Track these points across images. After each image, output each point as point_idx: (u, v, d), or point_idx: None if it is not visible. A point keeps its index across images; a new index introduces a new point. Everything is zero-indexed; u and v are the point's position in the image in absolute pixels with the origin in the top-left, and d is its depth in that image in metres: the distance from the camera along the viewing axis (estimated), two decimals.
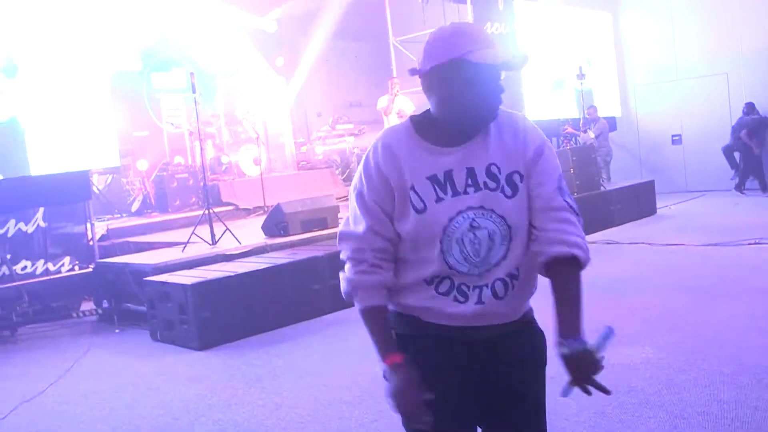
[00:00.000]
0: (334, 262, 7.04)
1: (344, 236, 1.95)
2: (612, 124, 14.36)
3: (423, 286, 1.93)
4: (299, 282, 6.76)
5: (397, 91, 11.09)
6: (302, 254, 7.20)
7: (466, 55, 1.79)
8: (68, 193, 7.84)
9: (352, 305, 1.93)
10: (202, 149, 8.77)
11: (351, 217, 1.95)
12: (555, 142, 14.42)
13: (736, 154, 13.65)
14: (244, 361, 5.56)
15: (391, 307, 2.00)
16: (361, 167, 1.94)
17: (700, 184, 14.40)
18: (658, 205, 11.98)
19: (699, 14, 14.21)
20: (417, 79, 1.91)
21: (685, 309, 5.82)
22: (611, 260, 8.20)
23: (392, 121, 10.85)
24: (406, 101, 11.15)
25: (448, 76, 1.83)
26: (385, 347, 1.89)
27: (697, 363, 4.47)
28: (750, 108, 13.39)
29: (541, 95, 13.66)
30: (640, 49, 15.40)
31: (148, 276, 6.71)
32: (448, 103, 1.87)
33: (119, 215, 11.41)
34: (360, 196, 1.93)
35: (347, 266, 1.94)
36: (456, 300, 1.91)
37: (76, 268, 8.16)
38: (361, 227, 1.91)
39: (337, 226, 8.51)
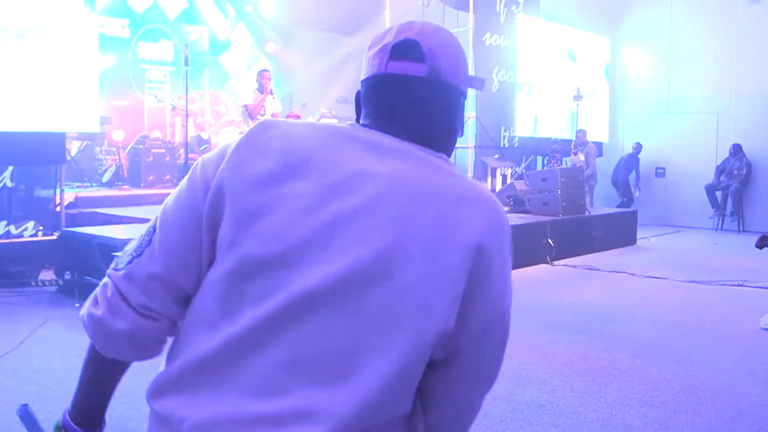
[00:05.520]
0: None
1: None
2: (599, 150, 14.27)
3: None
4: None
5: (271, 89, 9.35)
6: None
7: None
8: (41, 155, 7.44)
9: None
10: (185, 125, 8.45)
11: None
12: (541, 161, 14.30)
13: (718, 194, 13.64)
14: None
15: None
16: None
17: (679, 219, 14.34)
18: (638, 236, 11.85)
19: (697, 51, 14.15)
20: None
21: (673, 346, 5.62)
22: (593, 288, 8.02)
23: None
24: (277, 103, 9.74)
25: None
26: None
27: (693, 405, 4.26)
28: (737, 150, 13.38)
29: (533, 113, 13.49)
30: (635, 78, 15.32)
31: (117, 251, 6.34)
32: None
33: (89, 184, 10.98)
34: None
35: None
36: None
37: (40, 234, 7.76)
38: None
39: None
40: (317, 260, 1.14)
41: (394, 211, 1.15)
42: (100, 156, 11.86)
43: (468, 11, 12.84)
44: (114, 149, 11.86)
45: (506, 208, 10.79)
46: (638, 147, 14.54)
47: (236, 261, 1.17)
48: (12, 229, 7.59)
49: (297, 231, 1.15)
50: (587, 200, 11.79)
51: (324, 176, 1.18)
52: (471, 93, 13.11)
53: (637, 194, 14.52)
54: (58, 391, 4.34)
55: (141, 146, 11.60)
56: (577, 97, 11.72)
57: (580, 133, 12.71)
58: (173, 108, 12.31)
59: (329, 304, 1.12)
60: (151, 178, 11.14)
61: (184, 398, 1.17)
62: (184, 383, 1.18)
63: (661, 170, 14.71)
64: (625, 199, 14.51)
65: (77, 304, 6.70)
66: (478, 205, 1.19)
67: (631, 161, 14.57)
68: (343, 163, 1.20)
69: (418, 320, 1.13)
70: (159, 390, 1.21)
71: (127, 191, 10.71)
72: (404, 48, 1.25)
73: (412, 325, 1.13)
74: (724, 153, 13.71)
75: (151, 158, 11.33)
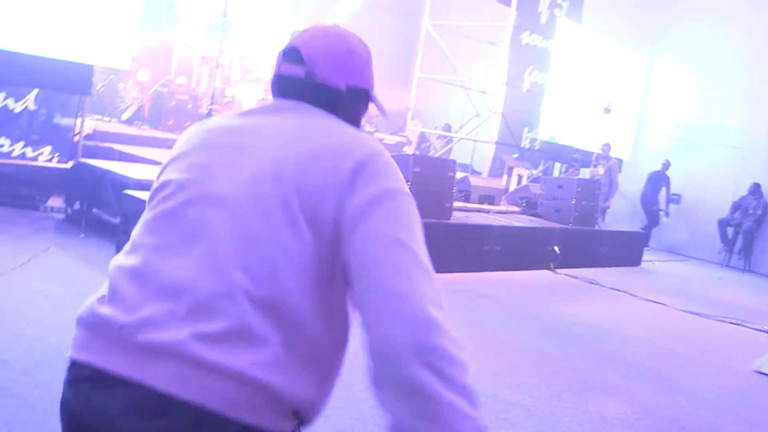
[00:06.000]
0: None
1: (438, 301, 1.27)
2: (618, 166, 14.18)
3: None
4: None
5: None
6: None
7: None
8: (67, 83, 7.41)
9: None
10: (212, 76, 8.41)
11: (423, 257, 1.31)
12: (559, 169, 14.25)
13: (730, 230, 13.58)
14: None
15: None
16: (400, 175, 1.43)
17: (686, 248, 14.29)
18: (643, 258, 11.83)
19: (731, 85, 14.01)
20: None
21: (663, 373, 5.62)
22: (592, 302, 8.01)
23: None
24: None
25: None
26: None
27: None
28: (756, 189, 13.30)
29: (560, 118, 13.43)
30: (665, 100, 15.22)
31: (129, 189, 6.35)
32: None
33: (109, 119, 10.97)
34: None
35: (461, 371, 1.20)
36: None
37: (55, 160, 7.76)
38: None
39: None
40: (224, 176, 1.37)
41: (289, 137, 1.41)
42: (123, 93, 11.83)
43: (510, 6, 12.73)
44: (138, 88, 11.84)
45: (517, 209, 10.78)
46: (666, 164, 14.10)
47: (158, 187, 1.43)
48: (28, 151, 7.58)
49: (206, 159, 1.41)
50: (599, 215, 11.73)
51: (231, 129, 1.48)
52: (501, 89, 13.09)
53: (664, 220, 14.11)
54: (54, 317, 4.36)
55: (165, 89, 11.59)
56: (607, 110, 11.63)
57: (606, 147, 12.61)
58: (203, 57, 12.26)
59: (237, 201, 1.33)
60: (171, 122, 11.13)
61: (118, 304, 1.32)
62: (117, 293, 1.34)
63: (675, 196, 14.59)
64: (647, 222, 14.14)
65: (82, 235, 6.72)
66: (354, 134, 1.44)
67: (659, 178, 14.18)
68: (246, 122, 1.49)
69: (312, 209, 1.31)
70: (95, 303, 1.36)
71: (146, 131, 10.71)
72: (289, 54, 1.54)
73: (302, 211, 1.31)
74: (743, 190, 13.61)
75: (173, 103, 11.32)
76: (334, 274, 1.32)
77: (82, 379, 1.30)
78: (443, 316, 1.22)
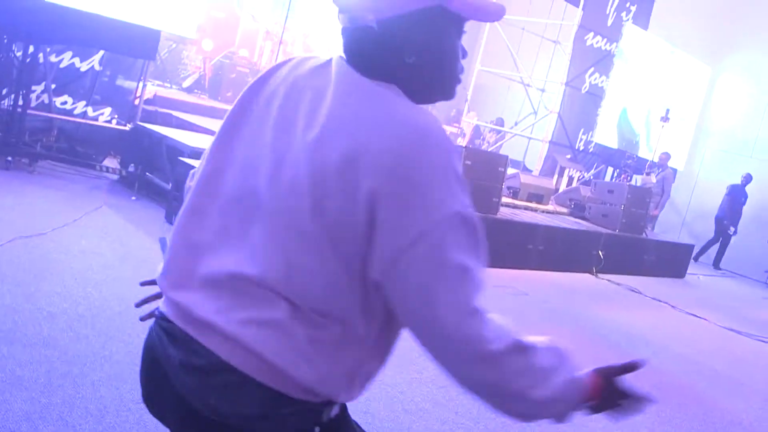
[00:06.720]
0: None
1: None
2: (672, 176, 13.95)
3: None
4: None
5: None
6: None
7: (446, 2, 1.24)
8: (134, 47, 7.54)
9: None
10: (275, 51, 8.49)
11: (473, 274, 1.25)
12: (611, 173, 14.09)
13: None
14: None
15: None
16: (454, 173, 1.22)
17: (733, 264, 14.00)
18: (688, 271, 11.66)
19: None
20: None
21: (697, 388, 5.56)
22: (631, 310, 7.94)
23: None
24: None
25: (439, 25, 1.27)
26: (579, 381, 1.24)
27: None
28: None
29: (613, 122, 13.27)
30: (725, 113, 14.91)
31: (184, 157, 6.48)
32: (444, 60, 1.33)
33: (169, 85, 11.17)
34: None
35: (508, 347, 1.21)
36: None
37: (114, 122, 7.93)
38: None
39: None
40: (260, 169, 1.27)
41: (318, 122, 1.19)
42: (186, 61, 12.03)
43: (578, 6, 12.60)
44: (201, 57, 12.02)
45: (565, 210, 10.70)
46: (747, 178, 13.18)
47: (211, 151, 1.40)
48: (89, 110, 7.76)
49: (252, 137, 1.31)
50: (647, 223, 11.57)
51: (285, 96, 1.31)
52: (559, 89, 12.97)
53: (731, 230, 13.35)
54: (100, 275, 4.49)
55: (227, 61, 11.74)
56: (665, 119, 11.45)
57: (664, 155, 12.42)
58: (267, 31, 12.39)
59: None
60: (229, 94, 11.28)
61: None
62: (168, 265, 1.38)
63: None
64: (713, 238, 13.52)
65: (134, 198, 6.88)
66: (385, 116, 1.16)
67: (739, 194, 13.38)
68: (299, 85, 1.31)
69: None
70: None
71: (205, 101, 10.87)
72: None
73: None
74: None
75: (234, 75, 11.45)
76: (366, 286, 1.23)
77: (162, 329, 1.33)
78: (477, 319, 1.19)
